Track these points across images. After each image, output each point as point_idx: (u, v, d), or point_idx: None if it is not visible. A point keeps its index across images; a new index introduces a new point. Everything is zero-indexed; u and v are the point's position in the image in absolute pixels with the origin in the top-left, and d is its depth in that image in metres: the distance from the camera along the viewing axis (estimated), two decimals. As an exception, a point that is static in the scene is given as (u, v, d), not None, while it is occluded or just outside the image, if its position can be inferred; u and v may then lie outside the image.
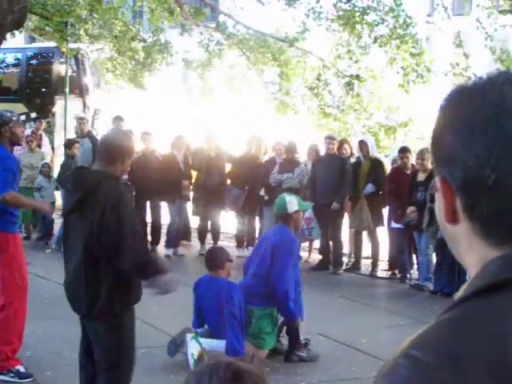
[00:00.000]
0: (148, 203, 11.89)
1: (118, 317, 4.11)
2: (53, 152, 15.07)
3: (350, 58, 14.59)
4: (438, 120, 1.02)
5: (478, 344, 0.87)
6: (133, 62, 16.88)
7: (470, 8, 13.96)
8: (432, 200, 8.13)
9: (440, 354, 0.88)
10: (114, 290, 4.02)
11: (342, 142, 11.34)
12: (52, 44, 17.82)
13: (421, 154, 9.53)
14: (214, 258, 6.38)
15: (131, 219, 4.10)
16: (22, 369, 5.54)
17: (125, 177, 11.69)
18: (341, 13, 14.19)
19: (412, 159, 10.18)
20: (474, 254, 0.99)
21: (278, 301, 6.23)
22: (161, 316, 7.40)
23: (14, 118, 5.66)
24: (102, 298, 4.00)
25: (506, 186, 0.93)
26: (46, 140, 15.02)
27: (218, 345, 5.85)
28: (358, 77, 14.59)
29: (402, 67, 14.13)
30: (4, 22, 9.86)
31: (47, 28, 16.29)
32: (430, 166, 9.10)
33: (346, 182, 10.46)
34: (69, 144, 12.32)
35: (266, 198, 11.14)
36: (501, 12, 12.49)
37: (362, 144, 10.79)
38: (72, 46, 16.46)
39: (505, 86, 0.96)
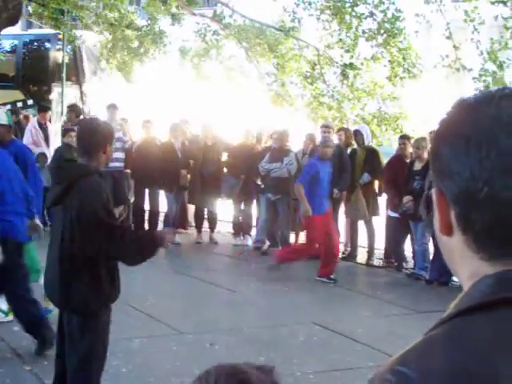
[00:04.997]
0: (147, 190, 11.96)
1: (95, 316, 4.00)
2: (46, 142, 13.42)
3: (342, 48, 14.50)
4: (437, 132, 1.02)
5: (463, 362, 0.87)
6: (125, 52, 16.81)
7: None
8: (430, 187, 8.14)
9: (425, 371, 0.88)
10: (91, 288, 3.94)
11: (339, 130, 11.39)
12: (49, 30, 17.74)
13: (417, 143, 9.54)
14: None
15: (108, 214, 3.99)
16: None
17: (119, 165, 11.73)
18: (331, 3, 14.10)
19: (410, 147, 10.16)
20: (466, 267, 0.99)
21: None
22: (156, 304, 7.44)
23: None
24: (78, 295, 3.92)
25: (497, 199, 0.93)
26: (51, 130, 13.60)
27: None
28: (351, 65, 14.51)
29: (389, 61, 14.08)
30: (-2, 20, 9.80)
31: (45, 13, 16.19)
32: (425, 155, 9.11)
33: (346, 170, 10.46)
34: (63, 132, 12.13)
35: (262, 186, 11.21)
36: (492, 3, 12.39)
37: (357, 133, 10.81)
38: (68, 32, 16.34)
39: (503, 101, 0.96)
